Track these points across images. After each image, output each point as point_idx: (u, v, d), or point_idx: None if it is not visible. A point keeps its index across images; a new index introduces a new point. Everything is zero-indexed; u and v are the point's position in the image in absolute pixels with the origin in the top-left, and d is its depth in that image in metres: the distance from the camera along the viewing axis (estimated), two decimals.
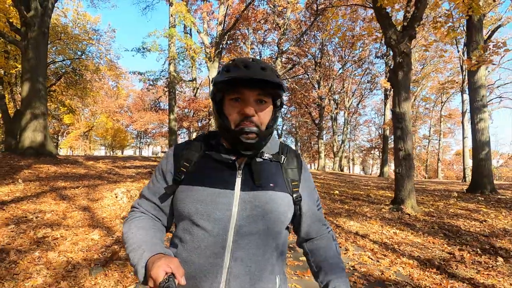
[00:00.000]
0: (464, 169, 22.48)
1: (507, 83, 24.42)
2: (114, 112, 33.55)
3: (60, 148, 33.01)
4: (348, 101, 28.82)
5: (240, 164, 0.96)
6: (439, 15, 7.96)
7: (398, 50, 6.76)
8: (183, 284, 0.75)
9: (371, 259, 3.90)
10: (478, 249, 4.39)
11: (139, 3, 15.79)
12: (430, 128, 31.44)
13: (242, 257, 0.88)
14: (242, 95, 0.90)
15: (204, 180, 0.93)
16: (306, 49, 24.95)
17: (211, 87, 0.96)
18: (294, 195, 0.98)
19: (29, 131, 10.19)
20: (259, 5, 18.54)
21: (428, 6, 7.14)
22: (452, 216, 6.49)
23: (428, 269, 3.60)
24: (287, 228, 1.02)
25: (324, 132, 33.02)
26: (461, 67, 22.61)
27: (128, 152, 41.61)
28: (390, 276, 3.35)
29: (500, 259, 4.00)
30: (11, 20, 12.64)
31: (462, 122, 22.88)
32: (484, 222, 6.14)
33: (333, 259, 1.02)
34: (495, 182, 21.08)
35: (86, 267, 3.07)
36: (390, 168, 34.00)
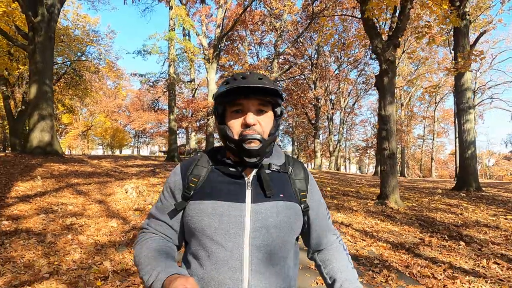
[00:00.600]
0: (456, 168, 23.28)
1: (498, 84, 25.21)
2: (112, 112, 34.15)
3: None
4: (344, 101, 29.56)
5: (249, 176, 0.99)
6: (421, 26, 8.63)
7: (384, 58, 7.46)
8: None
9: (350, 241, 4.59)
10: (446, 236, 5.09)
11: (138, 5, 16.38)
12: (424, 128, 32.32)
13: (261, 269, 0.90)
14: (242, 107, 0.94)
15: (214, 194, 0.94)
16: (303, 51, 25.68)
17: (213, 102, 1.03)
18: (303, 205, 1.01)
19: (37, 131, 10.80)
20: (256, 8, 19.09)
21: (410, 18, 7.83)
22: (432, 210, 7.22)
23: (398, 251, 4.29)
24: (297, 239, 1.04)
25: (321, 132, 33.81)
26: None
27: (126, 151, 42.24)
28: (363, 253, 4.05)
29: (462, 243, 4.71)
30: (16, 23, 13.24)
31: (455, 123, 23.62)
32: (460, 215, 6.85)
33: (347, 271, 1.02)
34: (487, 181, 21.86)
35: (112, 247, 3.73)
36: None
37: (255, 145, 0.92)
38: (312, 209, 1.05)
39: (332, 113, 29.55)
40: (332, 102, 29.65)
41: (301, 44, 24.96)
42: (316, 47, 25.70)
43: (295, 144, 39.17)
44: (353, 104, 32.70)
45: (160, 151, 36.17)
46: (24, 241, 3.65)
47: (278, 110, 1.01)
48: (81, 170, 8.57)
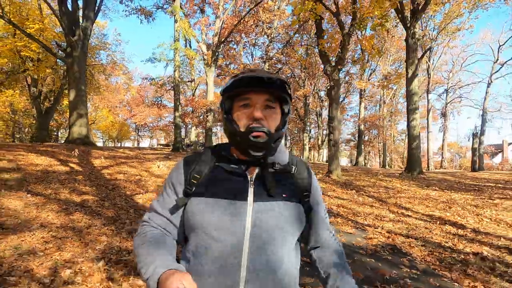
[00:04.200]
0: (428, 159, 27.38)
1: (468, 84, 29.23)
2: (114, 106, 37.98)
3: (63, 139, 37.36)
4: None
5: (252, 174, 1.02)
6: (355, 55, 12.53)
7: (331, 77, 11.42)
8: None
9: None
10: (363, 194, 9.12)
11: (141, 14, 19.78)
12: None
13: (259, 268, 0.93)
14: (250, 100, 0.97)
15: (216, 192, 0.98)
16: (293, 52, 29.49)
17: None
18: (305, 206, 1.05)
19: (76, 126, 14.73)
20: (249, 21, 22.87)
21: (349, 50, 11.67)
22: (360, 181, 11.27)
23: (340, 206, 8.35)
24: (298, 239, 1.08)
25: (313, 125, 37.83)
26: (428, 70, 27.25)
27: (127, 144, 46.21)
28: None
29: (377, 203, 8.74)
30: (48, 38, 17.10)
31: (427, 119, 27.74)
32: (382, 186, 10.87)
33: (341, 266, 1.08)
34: (439, 170, 26.17)
35: None
36: (371, 159, 38.92)
37: (261, 138, 0.95)
38: (314, 209, 1.09)
39: (321, 109, 33.47)
40: (321, 98, 33.57)
41: (292, 45, 28.74)
42: (306, 49, 29.46)
43: (288, 137, 43.30)
44: (342, 100, 36.63)
45: (159, 144, 40.08)
46: (125, 184, 7.60)
47: (286, 108, 1.04)
48: (118, 155, 12.50)
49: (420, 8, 14.43)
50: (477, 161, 21.56)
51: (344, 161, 52.71)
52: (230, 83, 0.99)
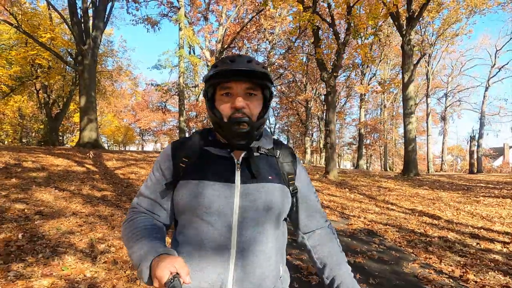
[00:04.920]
0: (427, 162, 28.05)
1: (467, 88, 29.97)
2: (119, 111, 39.04)
3: (70, 144, 38.40)
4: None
5: (238, 158, 1.05)
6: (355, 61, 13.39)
7: (328, 84, 12.26)
8: (189, 283, 0.81)
9: None
10: (356, 192, 9.91)
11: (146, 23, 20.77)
12: None
13: (248, 248, 0.97)
14: (231, 90, 1.00)
15: (204, 175, 1.01)
16: (296, 53, 30.39)
17: (203, 86, 1.12)
18: (291, 188, 1.09)
19: (87, 131, 15.65)
20: (251, 27, 23.84)
21: (345, 57, 12.56)
22: (355, 181, 12.05)
23: (332, 200, 9.17)
24: (285, 219, 1.12)
25: (315, 130, 38.62)
26: (427, 75, 27.99)
27: (132, 148, 47.24)
28: None
29: (367, 199, 9.54)
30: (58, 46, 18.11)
31: (427, 122, 28.45)
32: (377, 186, 11.65)
33: (337, 255, 1.12)
34: (437, 172, 26.82)
35: None
36: (373, 162, 39.52)
37: (243, 128, 0.98)
38: (300, 191, 1.14)
39: (322, 113, 34.27)
40: (323, 103, 34.38)
41: (294, 50, 29.65)
42: (307, 55, 30.37)
43: (291, 141, 44.07)
44: (344, 104, 37.41)
45: (162, 148, 41.02)
46: (137, 183, 8.44)
47: (267, 93, 1.06)
48: (127, 157, 13.38)
49: (415, 16, 15.27)
50: (475, 163, 22.25)
51: (347, 164, 53.42)
52: (210, 74, 1.01)
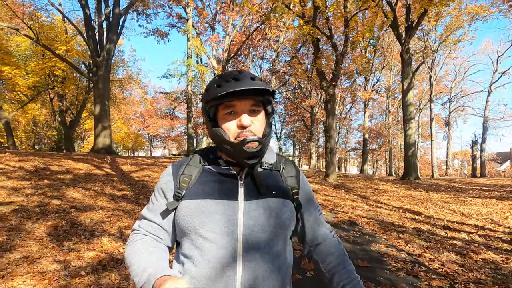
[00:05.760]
0: (432, 166, 28.64)
1: (471, 93, 30.60)
2: (129, 118, 40.48)
3: (80, 150, 39.87)
4: (337, 108, 35.16)
5: (241, 174, 1.06)
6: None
7: (327, 92, 13.20)
8: None
9: None
10: (351, 193, 10.78)
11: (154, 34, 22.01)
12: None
13: (254, 267, 0.96)
14: (235, 108, 1.00)
15: (207, 193, 1.01)
16: (300, 63, 31.43)
17: (203, 104, 1.07)
18: (295, 202, 1.10)
19: (101, 137, 16.80)
20: (257, 36, 24.95)
21: (348, 65, 13.48)
22: (353, 183, 12.91)
23: (327, 199, 10.08)
24: (291, 238, 1.13)
25: (321, 135, 39.44)
26: (430, 81, 28.68)
27: (140, 154, 48.66)
28: None
29: (360, 199, 10.42)
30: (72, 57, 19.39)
31: (431, 127, 29.10)
32: (374, 188, 12.50)
33: (345, 264, 1.12)
34: (441, 177, 27.37)
35: None
36: (379, 167, 40.13)
37: (254, 147, 0.99)
38: (305, 206, 1.16)
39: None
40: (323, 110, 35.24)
41: (296, 59, 30.69)
42: (312, 61, 31.39)
43: (297, 146, 44.95)
44: (350, 109, 38.23)
45: (171, 154, 42.30)
46: (151, 184, 9.44)
47: (269, 108, 1.08)
48: (139, 162, 14.44)
49: (414, 25, 16.15)
50: (478, 167, 22.85)
51: (354, 170, 54.04)
52: (217, 94, 0.97)
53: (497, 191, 11.92)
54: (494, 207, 8.59)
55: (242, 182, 1.05)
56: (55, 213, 5.44)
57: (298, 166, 1.22)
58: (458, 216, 7.37)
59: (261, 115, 1.05)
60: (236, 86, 0.95)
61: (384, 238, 5.16)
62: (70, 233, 4.62)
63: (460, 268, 3.95)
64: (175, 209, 1.04)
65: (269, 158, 1.15)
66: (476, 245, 5.02)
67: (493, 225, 6.43)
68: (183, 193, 1.04)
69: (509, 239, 5.37)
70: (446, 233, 5.73)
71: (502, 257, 4.44)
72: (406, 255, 4.35)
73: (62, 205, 5.98)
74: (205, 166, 1.10)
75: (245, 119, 0.99)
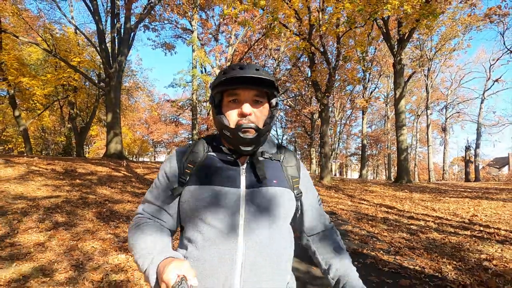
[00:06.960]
0: (429, 171, 30.00)
1: (467, 100, 32.02)
2: (134, 124, 42.19)
3: (88, 155, 41.60)
4: (337, 114, 36.68)
5: (243, 163, 1.11)
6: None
7: (322, 102, 14.74)
8: (196, 285, 0.83)
9: None
10: (343, 194, 12.25)
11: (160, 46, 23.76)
12: (412, 137, 39.21)
13: (254, 252, 1.00)
14: (239, 96, 1.06)
15: (210, 180, 1.06)
16: (302, 69, 33.03)
17: (210, 92, 1.11)
18: (295, 191, 1.15)
19: (113, 143, 18.40)
20: (258, 45, 26.64)
21: (336, 79, 15.02)
22: (345, 185, 14.39)
23: (323, 201, 11.58)
24: (290, 224, 1.17)
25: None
26: (426, 88, 30.12)
27: (145, 159, 50.39)
28: None
29: (347, 197, 11.90)
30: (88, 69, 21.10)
31: (427, 133, 30.50)
32: (363, 190, 13.95)
33: (341, 255, 1.17)
34: (436, 181, 28.75)
35: None
36: (379, 173, 41.50)
37: (250, 134, 1.04)
38: (305, 195, 1.21)
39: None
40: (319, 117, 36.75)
41: (299, 65, 32.28)
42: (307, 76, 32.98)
43: (298, 152, 46.51)
44: (350, 115, 39.69)
45: None
46: None
47: (273, 101, 1.13)
48: (149, 166, 15.99)
49: (405, 37, 17.68)
50: (471, 172, 24.18)
51: (355, 175, 55.43)
52: (220, 80, 1.04)
53: (476, 192, 13.33)
54: (463, 204, 10.00)
55: (244, 170, 1.10)
56: (95, 204, 6.99)
57: (298, 157, 1.26)
58: (427, 210, 8.82)
59: (264, 107, 1.11)
60: (240, 73, 1.01)
61: (354, 223, 6.65)
62: (111, 217, 6.16)
63: (404, 241, 5.44)
64: (179, 194, 1.10)
65: (270, 148, 1.22)
66: (427, 228, 6.49)
67: (452, 217, 7.88)
68: (187, 178, 1.09)
69: (457, 225, 6.84)
70: (408, 221, 7.21)
71: (442, 236, 5.91)
72: (366, 232, 5.85)
73: (97, 199, 7.52)
74: (209, 153, 1.15)
75: (246, 107, 1.04)
